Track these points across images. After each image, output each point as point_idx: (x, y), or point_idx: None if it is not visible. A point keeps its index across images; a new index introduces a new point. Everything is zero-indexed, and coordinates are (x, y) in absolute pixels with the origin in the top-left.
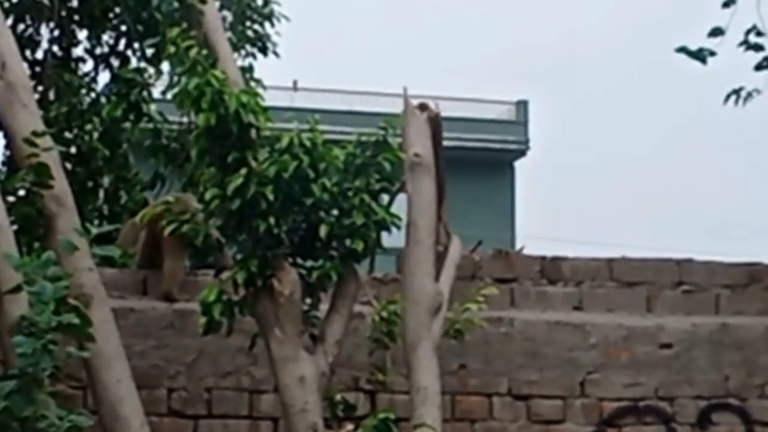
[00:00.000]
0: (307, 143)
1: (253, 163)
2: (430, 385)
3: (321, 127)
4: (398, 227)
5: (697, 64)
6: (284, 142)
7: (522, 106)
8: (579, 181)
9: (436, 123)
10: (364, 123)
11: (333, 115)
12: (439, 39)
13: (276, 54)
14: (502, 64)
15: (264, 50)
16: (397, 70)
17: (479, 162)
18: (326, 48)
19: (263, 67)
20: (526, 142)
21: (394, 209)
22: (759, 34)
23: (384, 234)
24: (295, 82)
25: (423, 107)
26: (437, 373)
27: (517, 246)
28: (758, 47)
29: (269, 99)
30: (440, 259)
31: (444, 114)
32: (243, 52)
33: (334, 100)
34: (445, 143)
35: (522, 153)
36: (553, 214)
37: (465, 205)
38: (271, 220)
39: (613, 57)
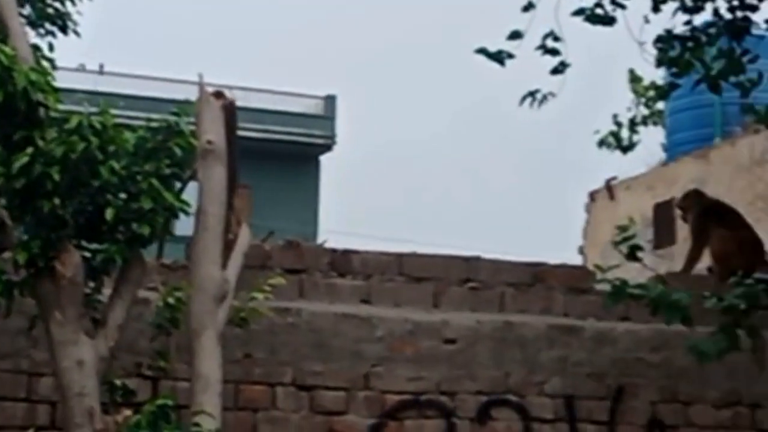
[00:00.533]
0: (97, 125)
1: (41, 143)
2: (212, 372)
3: (125, 112)
4: (187, 213)
5: (496, 65)
6: (73, 122)
7: (330, 100)
8: (384, 178)
9: (230, 111)
10: (169, 110)
11: (138, 101)
12: (252, 32)
13: (77, 33)
14: (312, 59)
15: (64, 29)
16: (208, 59)
17: (286, 155)
18: (138, 33)
19: (70, 51)
20: (333, 136)
21: (185, 196)
22: (556, 39)
23: (180, 222)
24: (101, 66)
25: (218, 95)
26: (220, 361)
27: (319, 240)
28: (555, 52)
29: (74, 82)
30: (230, 247)
31: (252, 105)
32: (42, 30)
33: (140, 86)
34: (253, 135)
35: (328, 147)
36: (357, 210)
37: (270, 198)
38: (56, 201)
39: (423, 58)
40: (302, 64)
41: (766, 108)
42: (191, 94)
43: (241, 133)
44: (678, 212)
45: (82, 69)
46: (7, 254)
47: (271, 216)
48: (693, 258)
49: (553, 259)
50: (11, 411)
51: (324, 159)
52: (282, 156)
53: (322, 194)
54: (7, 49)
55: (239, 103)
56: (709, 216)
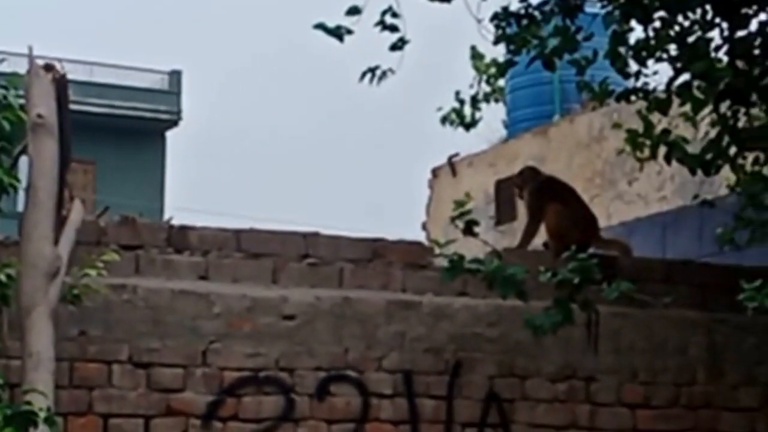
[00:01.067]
0: None
1: None
2: (44, 350)
3: None
4: (16, 190)
5: (335, 41)
6: None
7: (175, 76)
8: (230, 153)
9: (62, 85)
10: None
11: None
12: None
13: None
14: (158, 34)
15: None
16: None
17: (131, 131)
18: None
19: None
20: (179, 112)
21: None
22: (395, 15)
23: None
24: None
25: (48, 68)
26: (52, 339)
27: (165, 217)
28: (394, 28)
29: None
30: (63, 223)
31: (96, 80)
32: None
33: None
34: (96, 110)
35: (174, 123)
36: (203, 186)
37: (116, 174)
38: None
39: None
40: (148, 39)
41: (600, 85)
42: (22, 67)
43: (85, 108)
44: (515, 189)
45: None
46: None
47: (116, 192)
48: (529, 233)
49: (399, 236)
50: None
51: (170, 135)
52: (127, 131)
53: (168, 170)
54: None
55: (84, 78)
56: (544, 192)
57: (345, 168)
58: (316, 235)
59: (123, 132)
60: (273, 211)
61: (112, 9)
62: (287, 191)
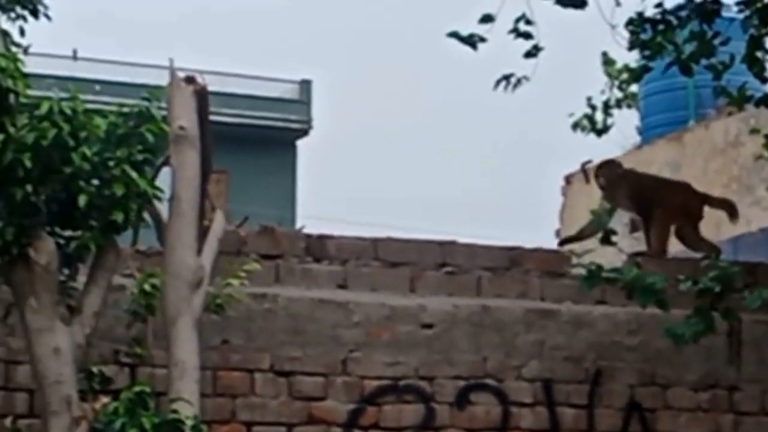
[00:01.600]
0: (68, 111)
1: (11, 130)
2: (189, 359)
3: (101, 98)
4: (160, 200)
5: (468, 49)
6: (44, 108)
7: (305, 85)
8: (360, 162)
9: (202, 96)
10: (141, 95)
11: (110, 86)
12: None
13: (48, 17)
14: (287, 43)
15: (35, 13)
16: (183, 44)
17: (262, 140)
18: (111, 17)
19: (44, 35)
20: (309, 121)
21: (159, 183)
22: (528, 22)
23: None
24: (74, 52)
25: (189, 80)
26: (196, 348)
27: (298, 225)
28: (527, 35)
29: (45, 67)
30: (204, 233)
31: (227, 90)
32: (12, 15)
33: (112, 71)
34: (228, 120)
35: (305, 132)
36: (334, 195)
37: (247, 183)
38: (29, 188)
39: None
40: (278, 48)
41: (738, 90)
42: (163, 79)
43: (216, 118)
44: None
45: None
46: None
47: (248, 201)
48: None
49: (530, 243)
50: None
51: (300, 144)
52: (258, 141)
53: (299, 179)
54: None
55: (215, 89)
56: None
57: (478, 175)
58: (453, 243)
59: (254, 141)
60: (406, 219)
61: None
62: (419, 198)
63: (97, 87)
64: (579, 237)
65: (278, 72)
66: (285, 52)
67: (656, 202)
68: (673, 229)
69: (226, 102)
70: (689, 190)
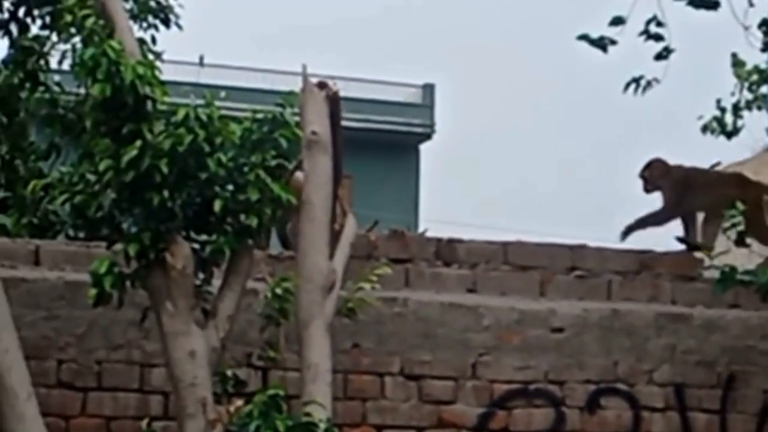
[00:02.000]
0: (204, 117)
1: (149, 136)
2: (322, 362)
3: (227, 104)
4: (293, 204)
5: (598, 51)
6: (180, 115)
7: (428, 89)
8: (482, 166)
9: (334, 102)
10: (271, 101)
11: (240, 93)
12: (350, 21)
13: (179, 26)
14: (410, 48)
15: (166, 22)
16: (306, 49)
17: (385, 144)
18: (238, 25)
19: (171, 42)
20: (432, 125)
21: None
22: (659, 24)
23: None
24: (201, 58)
25: (322, 86)
26: (329, 351)
27: (420, 229)
28: (658, 37)
29: (175, 74)
30: (335, 237)
31: (351, 95)
32: (144, 24)
33: (240, 77)
34: (352, 124)
35: (428, 136)
36: (457, 199)
37: (370, 187)
38: (165, 194)
39: (518, 43)
40: (401, 52)
41: None
42: (291, 84)
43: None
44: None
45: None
46: (118, 246)
47: (371, 205)
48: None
49: (659, 247)
50: (124, 401)
51: (423, 148)
52: (382, 145)
53: (422, 183)
54: (114, 44)
55: (340, 93)
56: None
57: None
58: (583, 247)
59: (378, 146)
60: (528, 223)
61: (366, 24)
62: (542, 202)
63: (223, 93)
64: (638, 226)
65: (401, 76)
66: (409, 56)
67: (703, 194)
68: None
69: (349, 106)
70: (743, 180)
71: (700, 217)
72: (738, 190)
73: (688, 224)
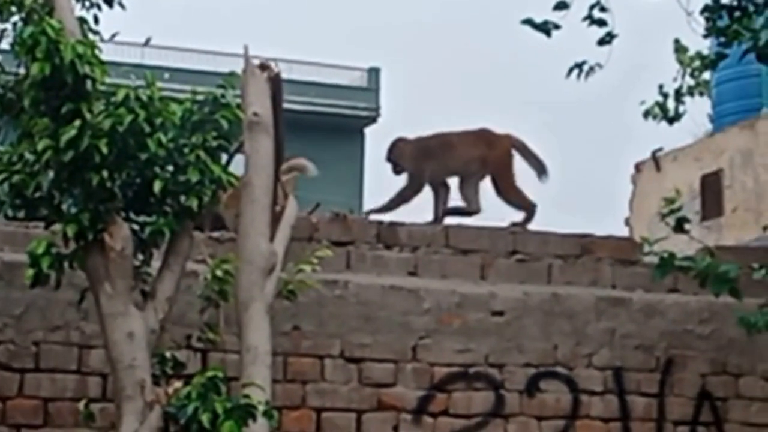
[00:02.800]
0: (144, 97)
1: (88, 116)
2: (261, 345)
3: (171, 86)
4: (234, 186)
5: (542, 36)
6: (120, 95)
7: (374, 73)
8: None
9: (276, 83)
10: (215, 83)
11: (184, 74)
12: (295, 3)
13: (122, 6)
14: (355, 33)
15: (109, 2)
16: (251, 31)
17: (330, 127)
18: (180, 5)
19: (116, 23)
20: (377, 108)
21: (232, 169)
22: (603, 9)
23: None
24: (147, 39)
25: (263, 67)
26: (269, 334)
27: (364, 213)
28: (602, 22)
29: (120, 55)
30: (277, 219)
31: (295, 78)
32: (87, 3)
33: (185, 59)
34: (297, 107)
35: (373, 120)
36: (401, 183)
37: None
38: (105, 174)
39: (463, 26)
40: (345, 36)
41: None
42: (235, 66)
43: (285, 105)
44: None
45: (145, 44)
46: (56, 227)
47: (316, 188)
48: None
49: (601, 232)
50: (62, 383)
51: (368, 131)
52: (326, 128)
53: (367, 167)
54: (53, 22)
55: (284, 76)
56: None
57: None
58: (524, 231)
59: (323, 129)
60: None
61: (312, 6)
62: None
63: (167, 75)
64: (387, 208)
65: (347, 60)
66: (353, 39)
67: (445, 159)
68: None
69: (294, 89)
70: (488, 136)
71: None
72: (483, 147)
73: (438, 193)
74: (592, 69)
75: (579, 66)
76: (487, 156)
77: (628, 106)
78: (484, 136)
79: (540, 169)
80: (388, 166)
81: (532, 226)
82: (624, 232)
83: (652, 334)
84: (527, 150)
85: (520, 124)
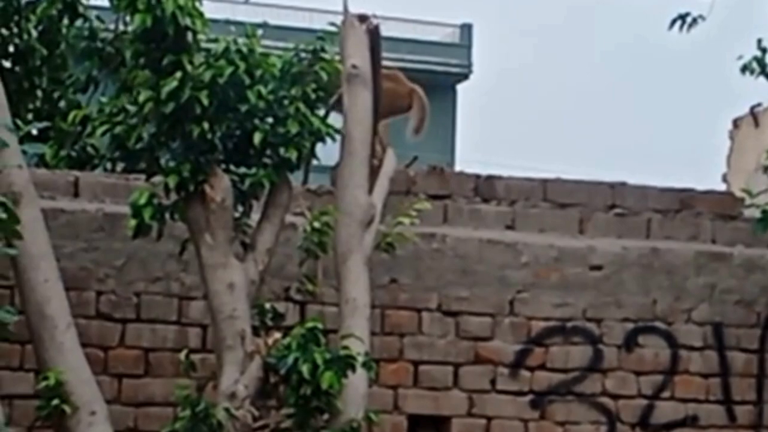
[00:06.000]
0: (244, 49)
1: (189, 67)
2: (360, 297)
3: (267, 42)
4: (333, 138)
5: None
6: (220, 47)
7: (466, 29)
8: (520, 107)
9: (375, 35)
10: (307, 39)
11: (280, 31)
12: None
13: None
14: None
15: None
16: None
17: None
18: None
19: None
20: (469, 65)
21: (330, 121)
22: None
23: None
24: None
25: (362, 19)
26: (367, 286)
27: (456, 169)
28: None
29: (214, 12)
30: (375, 172)
31: (388, 35)
32: None
33: (282, 16)
34: (389, 64)
35: (465, 77)
36: (492, 139)
37: (405, 126)
38: (205, 125)
39: None
40: None
41: None
42: (327, 24)
43: None
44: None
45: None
46: (156, 179)
47: (407, 145)
48: None
49: (699, 187)
50: (163, 333)
51: (460, 88)
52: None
53: (459, 123)
54: None
55: None
56: None
57: (643, 118)
58: (623, 185)
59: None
60: (570, 165)
61: None
62: (584, 145)
63: (260, 31)
64: None
65: (439, 16)
66: None
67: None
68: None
69: (387, 46)
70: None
71: None
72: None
73: None
74: (695, 21)
75: (682, 18)
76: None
77: (726, 61)
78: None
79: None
80: (481, 123)
81: (632, 180)
82: (722, 188)
83: (753, 290)
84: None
85: (610, 71)
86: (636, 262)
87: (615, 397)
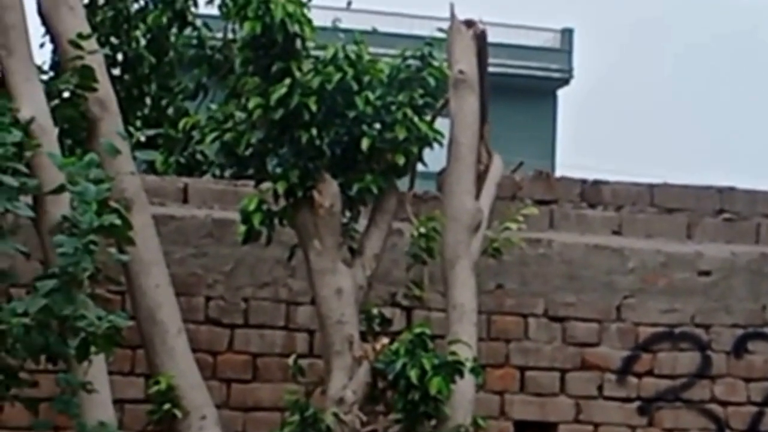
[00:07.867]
0: (352, 56)
1: (297, 74)
2: (467, 302)
3: (373, 50)
4: (440, 143)
5: None
6: (329, 53)
7: (567, 34)
8: (622, 111)
9: (482, 40)
10: (412, 46)
11: (386, 38)
12: None
13: None
14: None
15: None
16: None
17: (522, 89)
18: None
19: None
20: (570, 70)
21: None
22: None
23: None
24: (349, 2)
25: (469, 24)
26: (474, 291)
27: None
28: None
29: (320, 19)
30: (481, 177)
31: (489, 40)
32: None
33: (387, 23)
34: (490, 69)
35: (566, 81)
36: (594, 144)
37: (506, 132)
38: (314, 132)
39: None
40: None
41: None
42: (431, 30)
43: None
44: None
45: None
46: (264, 185)
47: (508, 150)
48: None
49: None
50: (271, 339)
51: (561, 93)
52: (519, 90)
53: (559, 129)
54: None
55: None
56: None
57: (749, 123)
58: (732, 189)
59: (515, 91)
60: (672, 169)
61: None
62: (687, 149)
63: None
64: None
65: (540, 21)
66: (548, 1)
67: None
68: None
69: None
70: None
71: None
72: None
73: None
74: None
75: None
76: None
77: None
78: None
79: None
80: (579, 126)
81: (741, 185)
82: None
83: None
84: None
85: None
86: (745, 267)
87: (724, 404)
